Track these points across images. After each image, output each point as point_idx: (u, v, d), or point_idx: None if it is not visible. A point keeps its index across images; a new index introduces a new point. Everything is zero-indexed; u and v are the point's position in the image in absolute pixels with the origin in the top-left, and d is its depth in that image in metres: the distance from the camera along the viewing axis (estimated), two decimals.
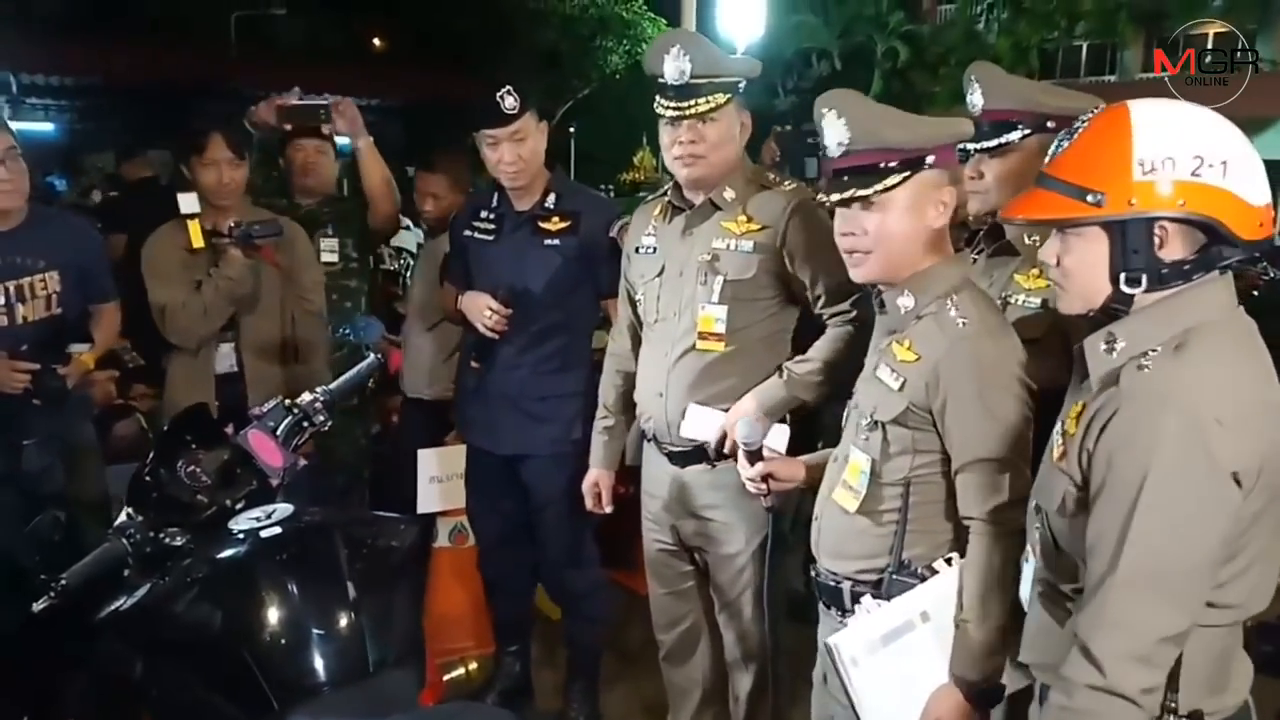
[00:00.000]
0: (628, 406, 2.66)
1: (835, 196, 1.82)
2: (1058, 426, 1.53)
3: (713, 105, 2.30)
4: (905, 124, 1.82)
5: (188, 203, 2.84)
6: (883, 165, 1.77)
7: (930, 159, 1.78)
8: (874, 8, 27.94)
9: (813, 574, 1.98)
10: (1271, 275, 6.65)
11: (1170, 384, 1.34)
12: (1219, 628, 1.43)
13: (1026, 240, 2.03)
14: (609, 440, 2.71)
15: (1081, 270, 1.44)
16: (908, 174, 1.77)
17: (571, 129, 24.55)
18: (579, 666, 3.17)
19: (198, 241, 2.87)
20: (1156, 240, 1.37)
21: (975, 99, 2.11)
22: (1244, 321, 1.44)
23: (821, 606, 1.99)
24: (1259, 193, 1.38)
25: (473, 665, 3.33)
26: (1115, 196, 1.36)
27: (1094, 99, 1.93)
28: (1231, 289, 1.44)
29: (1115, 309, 1.43)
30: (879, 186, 1.77)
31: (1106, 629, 1.35)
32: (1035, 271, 1.99)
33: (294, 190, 3.51)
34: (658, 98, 2.35)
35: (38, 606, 1.55)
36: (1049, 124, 1.99)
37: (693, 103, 2.30)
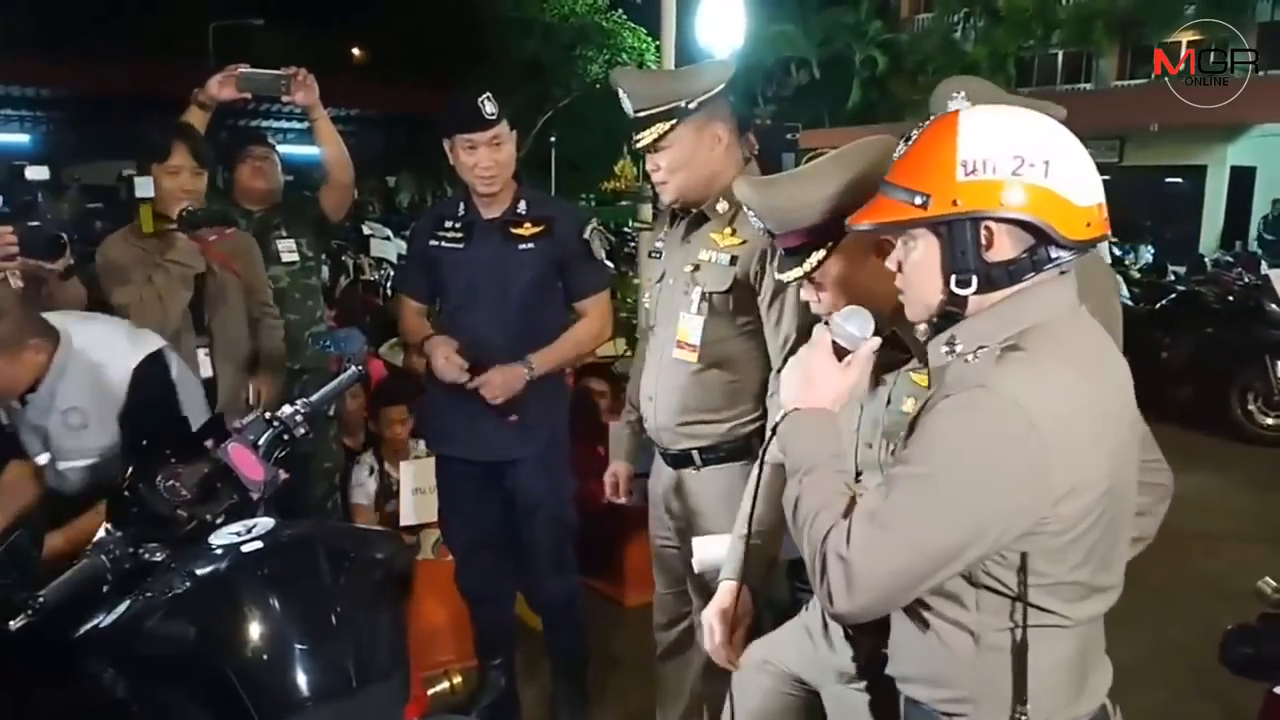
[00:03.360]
0: None
1: (781, 278, 1.88)
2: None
3: (658, 135, 2.34)
4: (813, 198, 1.72)
5: (143, 185, 2.81)
6: (804, 243, 1.78)
7: (848, 223, 1.54)
8: (852, 17, 28.17)
9: None
10: None
11: (989, 377, 1.33)
12: (1066, 629, 1.40)
13: None
14: (629, 435, 2.81)
15: (916, 275, 1.44)
16: (830, 246, 1.75)
17: (553, 138, 24.57)
18: (565, 677, 3.16)
19: (148, 226, 2.84)
20: (984, 241, 1.37)
21: None
22: (1085, 323, 1.44)
23: None
24: (1086, 192, 1.37)
25: (457, 679, 3.30)
26: (940, 198, 1.36)
27: (1060, 107, 1.93)
28: (1072, 290, 1.43)
29: (951, 311, 1.42)
30: (807, 268, 1.79)
31: (877, 527, 1.31)
32: None
33: (240, 198, 3.55)
34: None
35: (14, 625, 1.52)
36: None
37: (641, 136, 2.36)
